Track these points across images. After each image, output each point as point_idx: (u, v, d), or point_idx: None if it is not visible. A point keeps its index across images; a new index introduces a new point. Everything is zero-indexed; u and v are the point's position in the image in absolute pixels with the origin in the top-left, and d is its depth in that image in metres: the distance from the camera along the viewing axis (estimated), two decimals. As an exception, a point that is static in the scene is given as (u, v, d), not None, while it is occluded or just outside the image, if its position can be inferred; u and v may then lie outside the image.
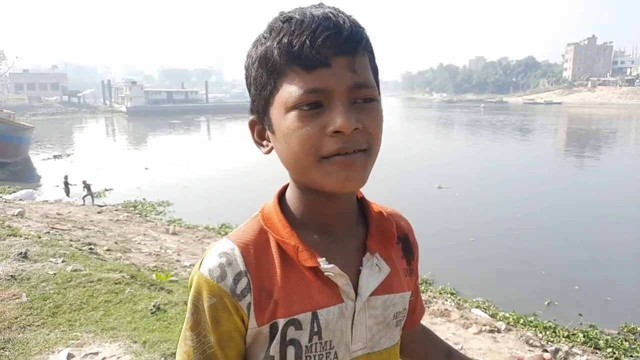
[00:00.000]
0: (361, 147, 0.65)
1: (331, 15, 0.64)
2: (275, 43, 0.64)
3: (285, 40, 0.63)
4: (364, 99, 0.66)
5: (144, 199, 12.59)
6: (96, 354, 2.99)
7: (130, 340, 3.20)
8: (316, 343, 0.70)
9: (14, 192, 12.97)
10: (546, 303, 6.51)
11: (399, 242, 0.84)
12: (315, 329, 0.69)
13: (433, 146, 26.11)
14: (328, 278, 0.70)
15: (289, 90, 0.64)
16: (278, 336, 0.68)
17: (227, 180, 15.47)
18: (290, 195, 0.76)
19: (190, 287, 0.72)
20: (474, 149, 25.07)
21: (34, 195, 12.76)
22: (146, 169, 18.10)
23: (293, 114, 0.64)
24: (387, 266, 0.77)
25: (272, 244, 0.72)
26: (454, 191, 13.65)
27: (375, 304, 0.75)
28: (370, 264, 0.74)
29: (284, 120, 0.65)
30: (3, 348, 2.94)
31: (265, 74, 0.67)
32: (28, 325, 3.24)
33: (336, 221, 0.75)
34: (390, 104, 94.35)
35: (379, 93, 0.72)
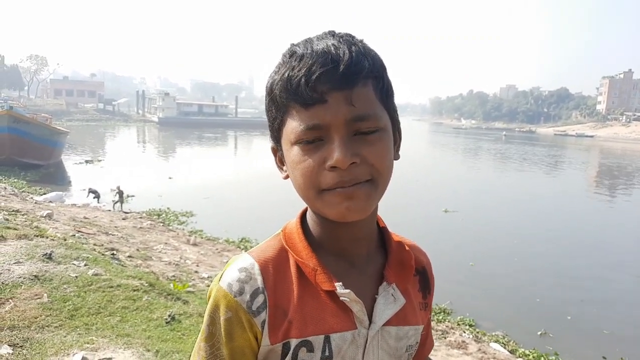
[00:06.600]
0: (360, 180, 0.65)
1: (332, 48, 0.64)
2: (278, 78, 0.67)
3: (285, 76, 0.66)
4: (365, 131, 0.66)
5: (168, 208, 12.78)
6: (109, 359, 3.02)
7: (144, 349, 3.22)
8: None
9: (45, 193, 13.38)
10: (539, 333, 6.42)
11: (417, 274, 0.83)
12: (327, 353, 0.69)
13: (442, 170, 26.03)
14: (343, 303, 0.70)
15: (291, 126, 0.67)
16: (289, 357, 0.68)
17: (249, 195, 15.59)
18: (309, 218, 0.77)
19: (209, 298, 0.73)
20: (482, 175, 25.30)
21: (63, 198, 13.13)
22: (170, 178, 18.44)
23: (296, 148, 0.67)
24: (403, 297, 0.76)
25: (291, 263, 0.73)
26: (460, 215, 13.72)
27: (388, 334, 0.74)
28: (386, 293, 0.74)
29: (290, 153, 0.69)
30: (21, 346, 2.99)
31: (273, 107, 0.70)
32: (47, 326, 3.30)
33: (353, 246, 0.75)
34: (417, 128, 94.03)
35: (394, 116, 0.72)
